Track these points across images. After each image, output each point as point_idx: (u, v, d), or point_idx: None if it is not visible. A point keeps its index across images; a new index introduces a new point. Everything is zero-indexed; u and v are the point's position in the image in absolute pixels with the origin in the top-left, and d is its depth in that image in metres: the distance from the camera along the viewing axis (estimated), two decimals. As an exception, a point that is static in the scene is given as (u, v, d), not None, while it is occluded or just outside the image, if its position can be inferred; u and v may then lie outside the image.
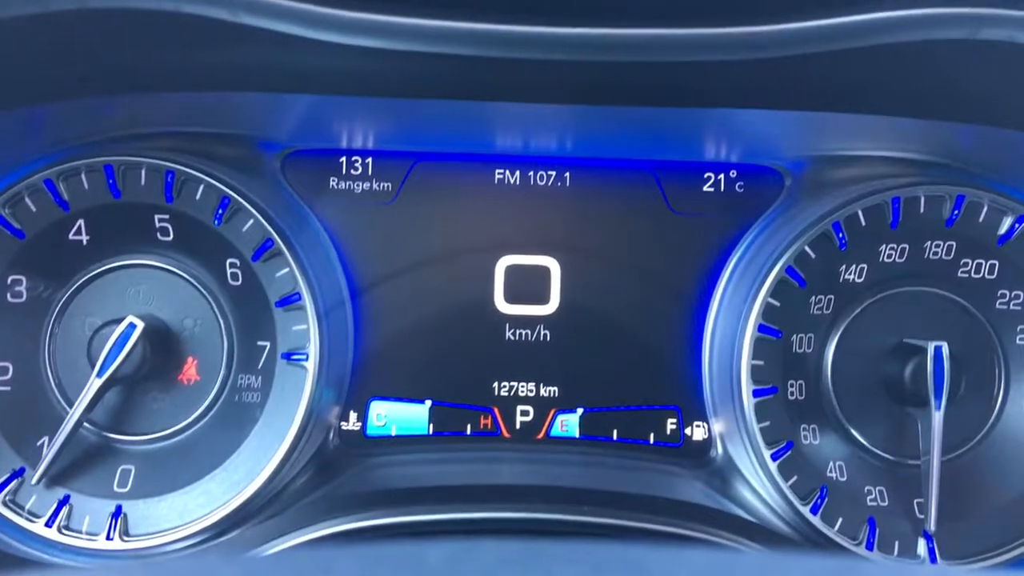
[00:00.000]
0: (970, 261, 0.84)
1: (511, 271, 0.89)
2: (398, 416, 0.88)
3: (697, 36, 0.67)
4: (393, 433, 0.89)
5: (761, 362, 0.83)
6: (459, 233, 0.89)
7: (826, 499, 0.81)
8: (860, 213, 0.83)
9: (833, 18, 0.66)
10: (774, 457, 0.81)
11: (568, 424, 0.89)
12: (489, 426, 0.89)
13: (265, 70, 0.71)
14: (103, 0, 0.58)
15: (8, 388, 0.81)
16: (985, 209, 0.83)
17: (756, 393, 0.82)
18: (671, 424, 0.89)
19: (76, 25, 0.61)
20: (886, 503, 0.82)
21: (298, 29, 0.65)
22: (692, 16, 0.68)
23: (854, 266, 0.84)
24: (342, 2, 0.66)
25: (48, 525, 0.80)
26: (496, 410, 0.89)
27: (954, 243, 0.83)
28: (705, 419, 0.89)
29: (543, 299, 0.89)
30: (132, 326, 0.79)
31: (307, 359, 0.82)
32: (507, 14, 0.68)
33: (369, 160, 0.88)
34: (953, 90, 0.73)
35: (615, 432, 0.89)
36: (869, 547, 0.80)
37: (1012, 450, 0.83)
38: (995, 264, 0.83)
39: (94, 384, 0.79)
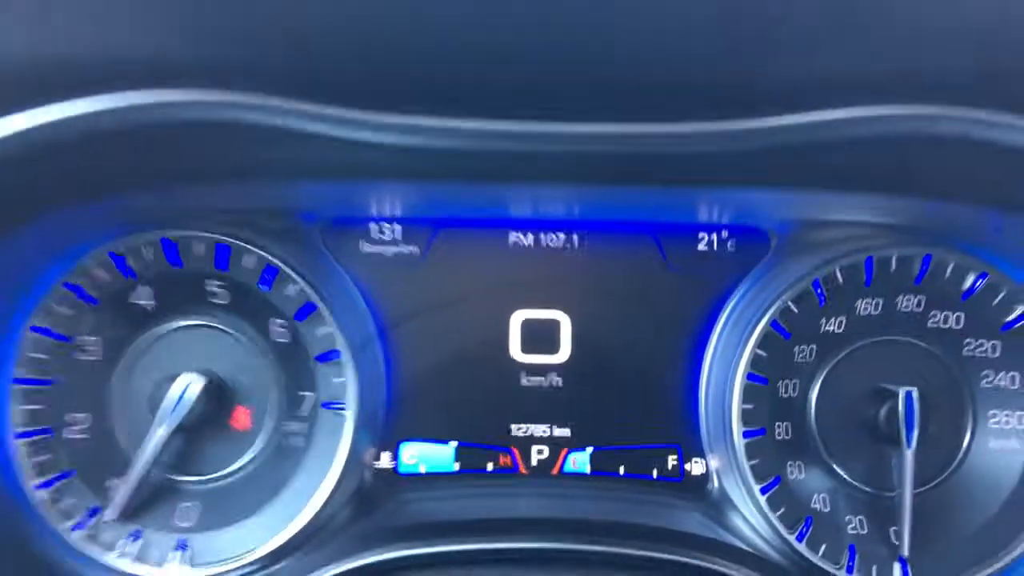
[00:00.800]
0: (938, 313, 0.91)
1: (526, 324, 0.97)
2: (427, 455, 0.97)
3: (690, 131, 0.76)
4: (422, 471, 0.97)
5: (751, 406, 0.90)
6: (478, 290, 0.97)
7: (811, 528, 0.89)
8: (838, 271, 0.91)
9: (801, 113, 0.76)
10: (763, 491, 0.89)
11: (579, 461, 0.97)
12: (509, 464, 0.97)
13: (308, 163, 0.81)
14: (186, 113, 0.68)
15: (87, 436, 0.90)
16: (950, 267, 0.90)
17: (746, 435, 0.90)
18: (672, 460, 0.97)
19: (156, 133, 0.70)
20: (865, 531, 0.89)
21: (335, 131, 0.74)
22: (685, 113, 0.77)
23: (833, 318, 0.91)
24: (373, 106, 0.76)
25: (119, 557, 0.88)
26: (515, 449, 0.97)
27: (923, 297, 0.91)
28: (703, 455, 0.96)
29: (554, 349, 0.96)
30: (191, 381, 0.88)
31: (346, 408, 0.90)
32: (521, 114, 0.78)
33: (398, 227, 0.96)
34: (917, 172, 0.81)
35: (622, 468, 0.97)
36: (849, 572, 0.88)
37: (979, 483, 0.90)
38: (960, 315, 0.91)
39: (157, 433, 0.87)
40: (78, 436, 0.91)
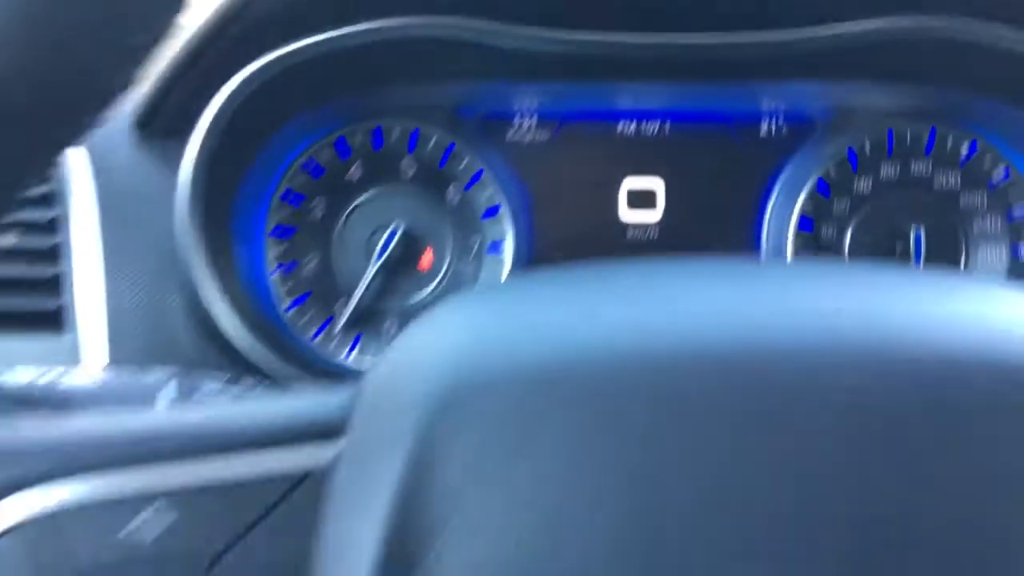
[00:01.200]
0: (942, 174, 1.17)
1: (631, 191, 1.20)
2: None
3: (770, 39, 1.04)
4: None
5: (800, 245, 1.13)
6: (595, 167, 1.20)
7: None
8: (867, 144, 1.17)
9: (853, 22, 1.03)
10: None
11: None
12: None
13: (475, 71, 1.11)
14: (427, 31, 1.00)
15: (318, 271, 1.16)
16: (950, 140, 1.17)
17: None
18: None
19: (397, 49, 1.03)
20: None
21: (506, 44, 1.05)
22: (764, 23, 1.04)
23: (863, 180, 1.16)
24: (530, 22, 1.07)
25: (347, 355, 1.15)
26: None
27: (931, 162, 1.17)
28: None
29: (653, 208, 1.20)
30: (394, 231, 1.15)
31: (504, 251, 1.16)
32: (634, 27, 1.08)
33: (534, 118, 1.20)
34: (934, 71, 1.08)
35: None
36: None
37: None
38: (959, 176, 1.18)
39: (373, 267, 1.13)
40: (312, 272, 1.15)
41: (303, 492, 0.46)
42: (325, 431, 0.46)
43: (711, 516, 0.39)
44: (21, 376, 0.67)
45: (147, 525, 0.46)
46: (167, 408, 0.56)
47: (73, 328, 1.00)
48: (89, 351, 1.01)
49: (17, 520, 0.45)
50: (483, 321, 0.46)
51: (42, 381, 0.74)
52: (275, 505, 0.45)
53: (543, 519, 0.39)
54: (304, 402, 0.49)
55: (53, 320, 1.01)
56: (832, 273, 0.52)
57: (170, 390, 0.65)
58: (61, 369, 0.86)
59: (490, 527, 0.40)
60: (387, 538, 0.41)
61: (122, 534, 0.45)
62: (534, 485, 0.40)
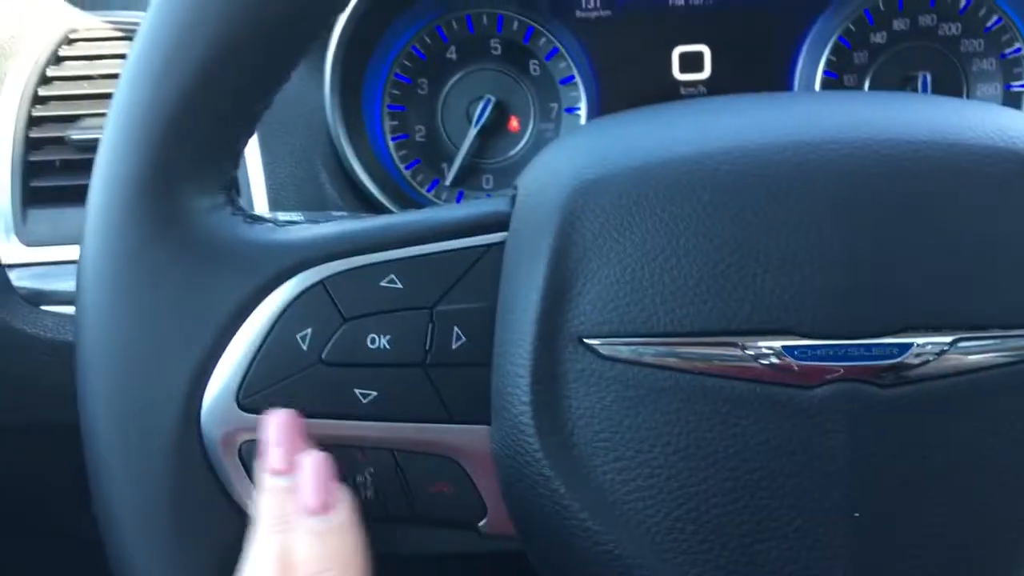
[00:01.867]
0: (944, 24, 1.33)
1: (682, 55, 1.33)
2: None
3: None
4: None
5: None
6: (651, 37, 1.27)
7: None
8: (880, 2, 1.31)
9: None
10: None
11: None
12: None
13: None
14: None
15: (424, 139, 1.31)
16: None
17: None
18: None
19: None
20: None
21: None
22: None
23: (878, 33, 1.30)
24: None
25: (457, 201, 1.23)
26: None
27: (935, 15, 1.32)
28: None
29: (701, 69, 1.34)
30: (488, 100, 1.31)
31: (580, 111, 1.26)
32: None
33: (597, 1, 1.36)
34: None
35: None
36: None
37: None
38: (959, 25, 1.33)
39: (471, 132, 1.26)
40: (420, 139, 1.29)
41: (489, 258, 0.60)
42: (499, 221, 0.60)
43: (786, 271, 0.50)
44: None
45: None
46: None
47: (247, 193, 1.28)
48: (259, 209, 1.30)
49: (303, 288, 0.58)
50: (599, 136, 0.60)
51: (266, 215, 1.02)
52: (473, 265, 0.60)
53: (650, 267, 0.52)
54: (481, 205, 0.62)
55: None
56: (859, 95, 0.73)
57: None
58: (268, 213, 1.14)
59: (615, 273, 0.53)
60: (545, 287, 0.54)
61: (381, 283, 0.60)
62: (645, 249, 0.53)
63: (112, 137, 0.56)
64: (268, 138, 1.28)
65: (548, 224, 0.55)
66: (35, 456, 1.05)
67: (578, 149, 0.60)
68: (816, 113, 0.57)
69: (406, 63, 1.41)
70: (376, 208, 1.29)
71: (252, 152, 1.26)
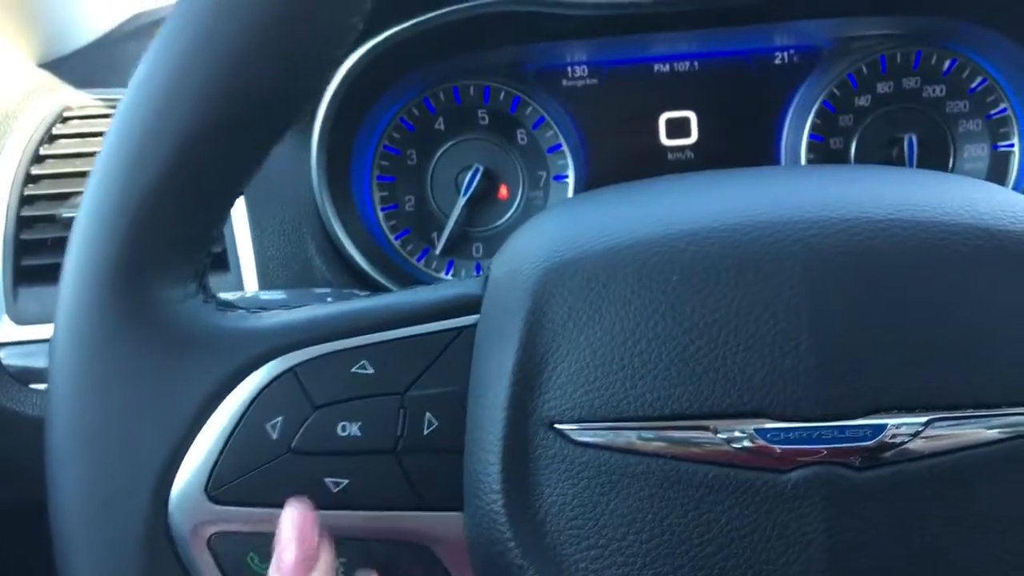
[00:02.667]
0: (928, 87, 1.32)
1: (668, 121, 1.31)
2: None
3: None
4: None
5: (813, 156, 1.22)
6: (637, 103, 1.29)
7: None
8: (863, 67, 1.24)
9: None
10: None
11: None
12: None
13: (533, 34, 1.24)
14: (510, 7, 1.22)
15: (413, 209, 1.28)
16: (934, 57, 1.25)
17: None
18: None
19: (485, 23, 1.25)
20: None
21: (570, 11, 1.28)
22: None
23: (862, 97, 1.26)
24: None
25: (446, 274, 1.26)
26: None
27: (919, 78, 1.31)
28: None
29: (688, 135, 1.31)
30: (477, 169, 1.26)
31: (568, 179, 1.27)
32: None
33: (584, 67, 1.29)
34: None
35: None
36: None
37: None
38: (943, 87, 1.33)
39: (460, 202, 1.26)
40: (410, 209, 1.30)
41: (461, 342, 0.59)
42: (470, 304, 0.59)
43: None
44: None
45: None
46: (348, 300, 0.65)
47: (236, 267, 1.28)
48: (248, 284, 1.29)
49: (273, 376, 0.57)
50: (570, 217, 0.59)
51: (246, 296, 1.02)
52: (444, 349, 0.59)
53: (621, 351, 0.51)
54: (452, 288, 0.61)
55: (220, 262, 1.28)
56: (831, 170, 0.67)
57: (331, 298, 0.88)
58: (250, 291, 1.14)
59: (585, 356, 0.52)
60: (516, 371, 0.53)
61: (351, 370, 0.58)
62: (614, 332, 0.51)
63: (83, 224, 0.55)
64: (257, 212, 1.29)
65: (518, 308, 0.54)
66: (20, 537, 1.03)
67: (548, 231, 0.59)
68: (783, 191, 0.57)
69: (395, 135, 1.43)
70: (365, 281, 1.28)
71: (241, 226, 1.26)
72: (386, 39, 1.12)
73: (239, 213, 1.17)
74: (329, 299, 0.78)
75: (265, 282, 1.23)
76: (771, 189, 0.58)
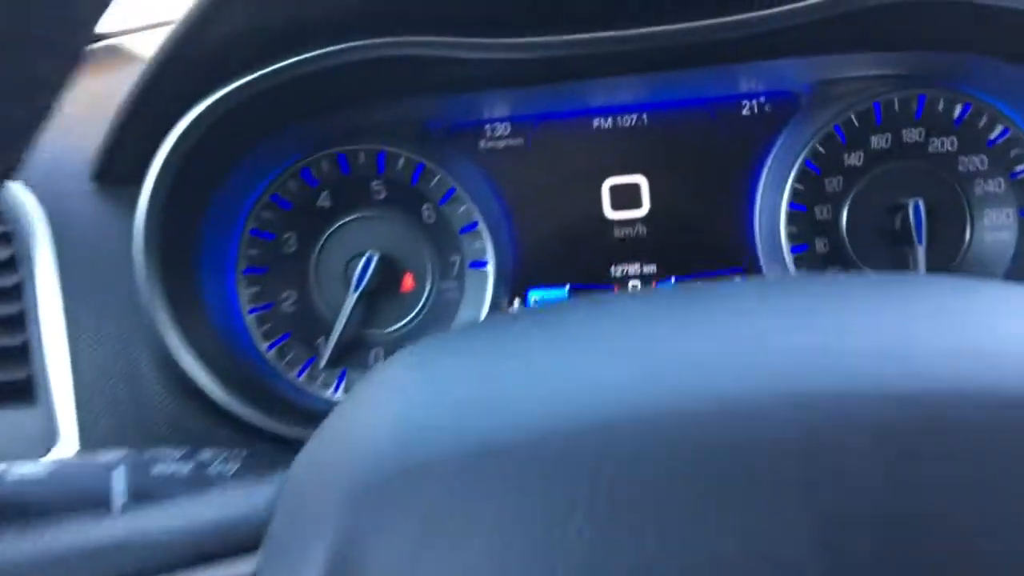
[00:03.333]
0: (936, 139, 1.11)
1: (614, 189, 1.16)
2: (548, 298, 1.18)
3: (739, 19, 0.97)
4: None
5: (795, 228, 1.10)
6: (574, 167, 1.16)
7: None
8: (853, 116, 1.11)
9: None
10: None
11: None
12: None
13: (440, 82, 1.05)
14: (385, 51, 0.94)
15: (294, 307, 1.13)
16: (941, 103, 1.11)
17: (793, 250, 1.10)
18: (738, 280, 1.22)
19: (355, 71, 0.97)
20: None
21: (481, 55, 0.98)
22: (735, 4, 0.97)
23: (853, 153, 1.11)
24: (495, 31, 0.98)
25: (335, 392, 1.12)
26: (615, 285, 1.17)
27: (923, 129, 1.11)
28: (760, 271, 1.14)
29: (638, 205, 1.16)
30: (371, 256, 1.10)
31: (487, 265, 1.14)
32: (599, 26, 1.01)
33: (507, 124, 1.16)
34: (923, 32, 1.01)
35: None
36: None
37: (979, 270, 1.10)
38: (954, 139, 1.11)
39: (351, 299, 1.09)
40: (289, 308, 1.12)
41: None
42: (252, 538, 0.44)
43: None
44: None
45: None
46: (104, 517, 0.52)
47: (46, 398, 0.96)
48: (63, 422, 0.97)
49: None
50: (408, 397, 0.42)
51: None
52: None
53: None
54: (230, 507, 0.46)
55: (23, 391, 0.96)
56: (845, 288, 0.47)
57: (119, 479, 0.61)
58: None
59: None
60: None
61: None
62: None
63: None
64: (75, 316, 0.99)
65: (315, 552, 0.39)
66: None
67: (374, 417, 0.43)
68: (773, 344, 0.39)
69: (265, 215, 1.16)
70: (212, 410, 0.96)
71: (54, 338, 0.95)
72: (239, 89, 0.84)
73: (52, 319, 1.00)
74: (114, 477, 0.63)
75: (84, 410, 0.92)
76: (748, 338, 0.41)
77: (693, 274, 1.20)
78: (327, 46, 0.96)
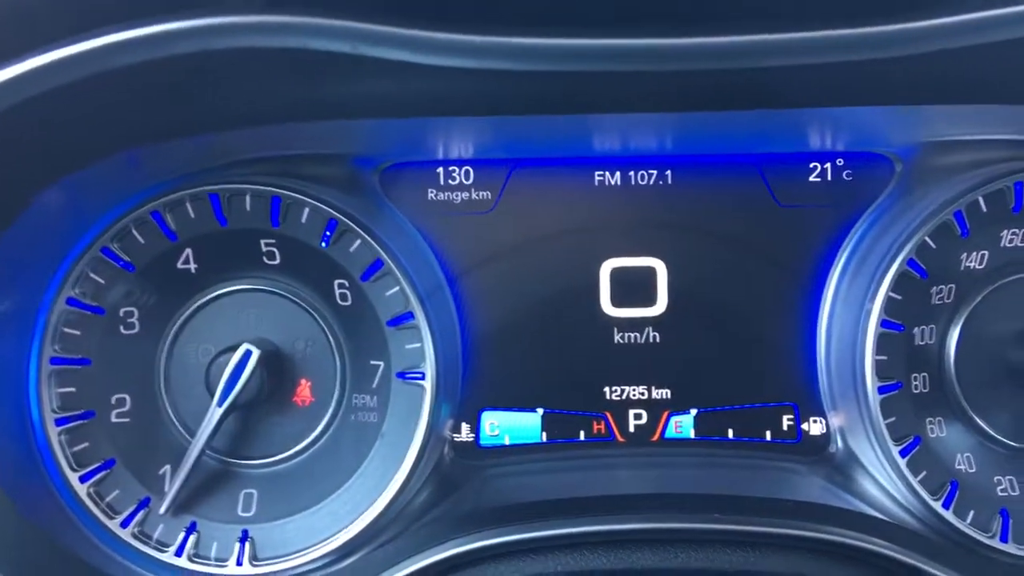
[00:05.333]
0: None
1: (616, 273, 0.90)
2: (510, 425, 0.90)
3: (795, 40, 0.68)
4: (507, 443, 0.90)
5: (885, 357, 0.83)
6: (561, 238, 0.91)
7: (957, 492, 0.81)
8: (981, 200, 0.83)
9: (933, 19, 0.66)
10: (903, 453, 0.82)
11: (682, 425, 0.90)
12: (603, 431, 0.90)
13: (370, 98, 0.73)
14: (227, 41, 0.59)
15: (127, 420, 0.84)
16: None
17: (881, 390, 0.82)
18: (787, 420, 0.90)
19: (195, 67, 0.61)
20: (1017, 492, 0.82)
21: (411, 55, 0.65)
22: (788, 20, 0.69)
23: (975, 253, 0.85)
24: (450, 27, 0.67)
25: (178, 554, 0.83)
26: (609, 415, 0.90)
27: None
28: (823, 414, 0.89)
29: (650, 301, 0.90)
30: (248, 353, 0.82)
31: (423, 378, 0.82)
32: (603, 28, 0.69)
33: (468, 169, 0.89)
34: None
35: (730, 431, 0.90)
36: (1003, 539, 0.81)
37: None
38: None
39: (215, 413, 0.81)
40: (121, 420, 0.84)
41: None
42: None
43: None
44: None
45: None
46: None
47: None
48: None
49: None
50: None
51: None
52: None
53: None
54: None
55: None
56: None
57: None
58: None
59: None
60: None
61: None
62: None
63: None
64: None
65: None
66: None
67: None
68: None
69: (92, 278, 0.84)
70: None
71: None
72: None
73: None
74: None
75: None
76: None
77: (723, 407, 0.91)
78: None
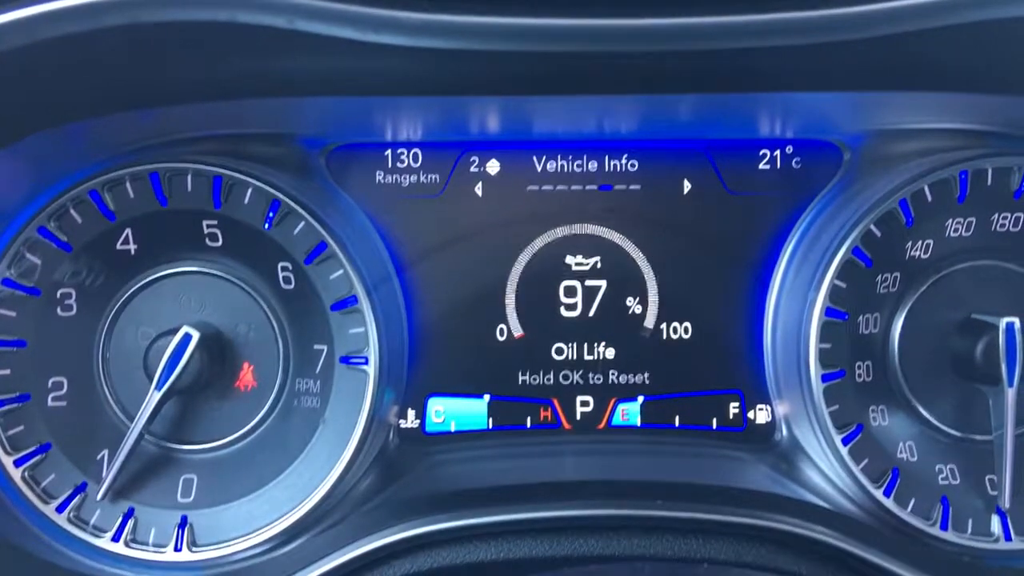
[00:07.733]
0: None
1: (565, 260, 0.87)
2: (457, 412, 0.89)
3: (744, 23, 0.67)
4: (452, 429, 0.89)
5: (828, 345, 0.83)
6: (509, 223, 0.88)
7: (898, 480, 0.81)
8: (926, 188, 0.82)
9: (882, 3, 0.66)
10: (845, 441, 0.81)
11: (629, 413, 0.89)
12: (549, 418, 0.89)
13: (313, 75, 0.71)
14: (156, 13, 0.57)
15: (64, 403, 0.82)
16: None
17: (825, 378, 0.82)
18: (733, 408, 0.89)
19: (126, 39, 0.59)
20: (958, 481, 0.82)
21: (351, 32, 0.64)
22: (738, 3, 0.68)
23: (920, 242, 0.84)
24: (393, 3, 0.66)
25: (115, 539, 0.81)
26: (555, 401, 0.89)
27: (1022, 215, 0.82)
28: (768, 402, 0.89)
29: (598, 288, 0.88)
30: (188, 336, 0.79)
31: (367, 363, 0.81)
32: (548, 8, 0.67)
33: (416, 152, 0.87)
34: (1014, 64, 0.72)
35: (677, 419, 0.89)
36: (943, 527, 0.81)
37: None
38: None
39: (154, 397, 0.79)
40: (57, 403, 0.82)
41: None
42: None
43: None
44: None
45: None
46: None
47: None
48: None
49: None
50: None
51: None
52: None
53: None
54: None
55: None
56: None
57: None
58: None
59: None
60: None
61: None
62: None
63: None
64: None
65: None
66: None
67: None
68: None
69: (28, 257, 0.82)
70: None
71: None
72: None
73: None
74: None
75: None
76: None
77: (670, 395, 0.90)
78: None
